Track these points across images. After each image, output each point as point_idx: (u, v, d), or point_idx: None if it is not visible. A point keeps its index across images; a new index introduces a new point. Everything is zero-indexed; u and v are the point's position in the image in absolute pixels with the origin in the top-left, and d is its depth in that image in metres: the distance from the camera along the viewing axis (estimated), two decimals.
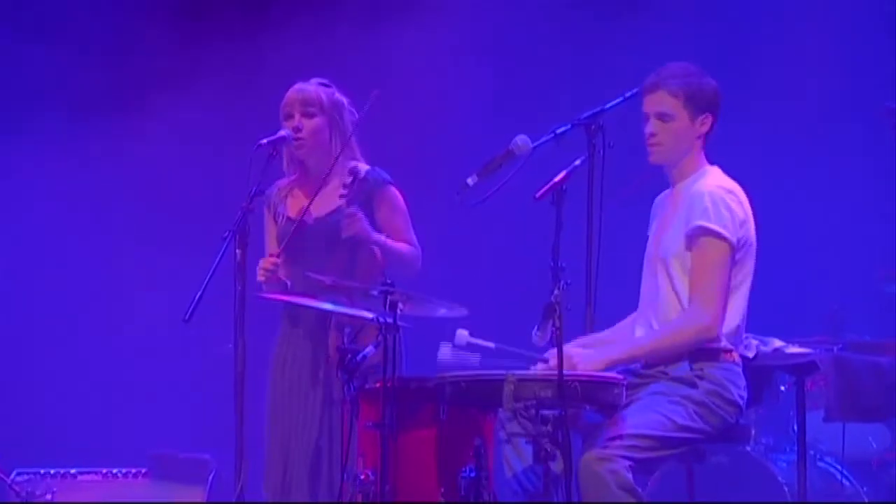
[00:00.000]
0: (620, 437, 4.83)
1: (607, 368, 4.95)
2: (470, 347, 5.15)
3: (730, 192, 5.10)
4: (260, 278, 5.42)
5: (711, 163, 5.26)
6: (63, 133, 7.98)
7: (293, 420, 5.53)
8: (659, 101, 5.18)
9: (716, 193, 5.07)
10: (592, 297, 5.24)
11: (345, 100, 5.67)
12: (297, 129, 5.58)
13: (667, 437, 4.92)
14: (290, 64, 7.22)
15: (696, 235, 5.05)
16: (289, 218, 5.63)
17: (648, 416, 4.92)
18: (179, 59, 8.04)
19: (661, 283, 5.15)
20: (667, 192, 5.32)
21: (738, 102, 7.44)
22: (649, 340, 5.11)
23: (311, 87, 5.65)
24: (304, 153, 5.62)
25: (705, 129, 5.18)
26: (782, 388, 6.49)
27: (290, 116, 5.62)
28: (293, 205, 5.67)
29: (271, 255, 5.50)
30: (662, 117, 5.17)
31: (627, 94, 5.34)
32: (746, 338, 5.52)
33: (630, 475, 4.79)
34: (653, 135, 5.19)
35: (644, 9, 7.69)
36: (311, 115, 5.61)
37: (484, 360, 5.13)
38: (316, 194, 5.50)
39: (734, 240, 5.04)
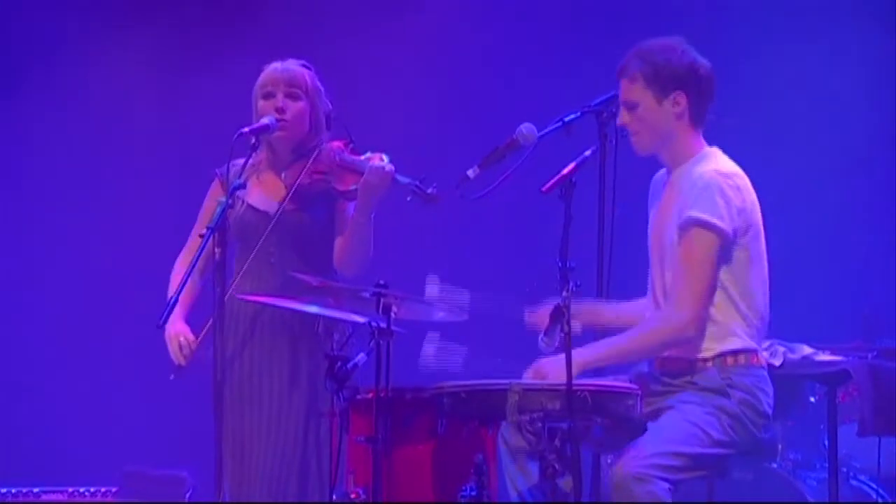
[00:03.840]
0: (656, 453, 4.78)
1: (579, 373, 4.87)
2: (442, 297, 5.06)
3: (727, 176, 5.02)
4: (177, 360, 5.41)
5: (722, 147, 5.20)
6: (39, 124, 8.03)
7: (248, 430, 5.43)
8: (624, 89, 5.12)
9: (712, 179, 4.99)
10: (604, 300, 5.19)
11: (321, 87, 5.61)
12: (281, 111, 5.48)
13: (703, 455, 4.89)
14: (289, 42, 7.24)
15: (686, 226, 4.99)
16: (250, 206, 5.53)
17: (683, 428, 4.89)
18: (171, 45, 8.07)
19: (665, 273, 5.10)
20: (663, 172, 5.25)
21: (762, 100, 7.48)
22: (625, 341, 5.04)
23: (296, 68, 5.56)
24: (283, 137, 5.51)
25: (680, 108, 5.08)
26: (812, 399, 6.48)
27: (270, 96, 5.51)
28: (255, 193, 5.54)
29: (192, 337, 5.44)
30: (628, 106, 5.11)
31: None
32: (771, 344, 5.47)
33: (669, 499, 4.75)
34: (624, 126, 5.14)
35: None
36: (295, 98, 5.52)
37: (470, 357, 5.07)
38: (292, 189, 5.47)
39: (729, 229, 4.96)
